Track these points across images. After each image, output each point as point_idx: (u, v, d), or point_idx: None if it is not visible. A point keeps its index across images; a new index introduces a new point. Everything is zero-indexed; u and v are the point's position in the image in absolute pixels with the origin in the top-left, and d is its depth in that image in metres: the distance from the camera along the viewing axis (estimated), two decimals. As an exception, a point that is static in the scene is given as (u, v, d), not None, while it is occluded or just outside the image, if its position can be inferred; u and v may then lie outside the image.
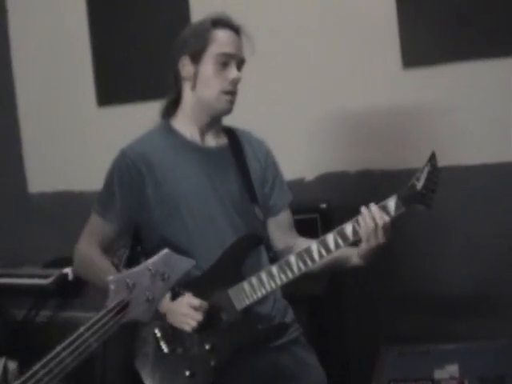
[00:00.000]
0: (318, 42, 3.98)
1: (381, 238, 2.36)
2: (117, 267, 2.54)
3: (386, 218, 2.35)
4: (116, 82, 4.60)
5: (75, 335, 1.74)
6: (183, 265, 1.90)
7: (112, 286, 1.78)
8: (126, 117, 4.45)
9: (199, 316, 2.38)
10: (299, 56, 4.01)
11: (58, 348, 1.72)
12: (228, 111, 2.55)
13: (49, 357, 1.72)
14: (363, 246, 2.42)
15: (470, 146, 3.70)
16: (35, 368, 1.70)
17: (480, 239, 3.70)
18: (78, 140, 4.70)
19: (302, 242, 2.60)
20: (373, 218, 2.35)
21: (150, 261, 1.85)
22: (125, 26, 4.53)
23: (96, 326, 1.76)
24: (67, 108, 4.71)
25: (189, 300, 2.39)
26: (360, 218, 2.37)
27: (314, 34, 3.98)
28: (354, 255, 2.50)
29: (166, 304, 2.37)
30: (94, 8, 4.61)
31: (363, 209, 2.37)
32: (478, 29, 3.64)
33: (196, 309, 2.38)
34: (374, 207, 2.36)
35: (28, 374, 1.69)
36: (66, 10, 4.66)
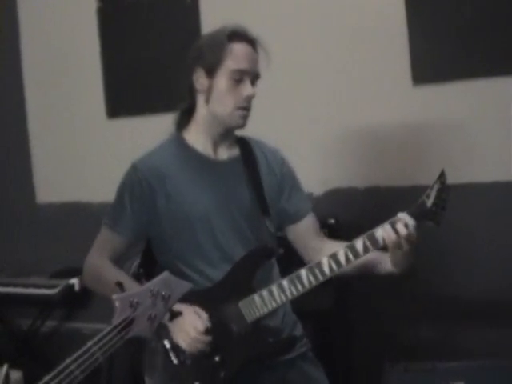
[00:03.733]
0: (328, 58, 3.98)
1: (406, 248, 2.35)
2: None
3: (411, 229, 2.33)
4: (126, 95, 4.62)
5: (83, 349, 1.80)
6: (181, 287, 2.01)
7: (117, 304, 1.86)
8: (135, 129, 4.46)
9: (205, 338, 2.37)
10: (309, 73, 4.02)
11: (68, 361, 1.78)
12: (241, 126, 2.55)
13: (58, 369, 1.77)
14: (391, 257, 2.43)
15: (480, 163, 3.69)
16: (46, 379, 1.76)
17: (489, 258, 3.68)
18: (86, 151, 4.71)
19: (331, 246, 2.56)
20: (395, 230, 2.34)
21: (152, 282, 1.94)
22: (135, 39, 4.55)
23: (103, 341, 1.83)
24: (77, 120, 4.73)
25: (195, 321, 2.38)
26: (378, 233, 2.37)
27: (323, 50, 3.99)
28: (387, 262, 2.48)
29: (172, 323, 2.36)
30: (105, 21, 4.63)
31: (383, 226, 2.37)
32: (489, 46, 3.64)
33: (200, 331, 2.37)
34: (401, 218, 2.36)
35: None
36: (76, 22, 4.68)
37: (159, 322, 1.97)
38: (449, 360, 3.37)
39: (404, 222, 2.34)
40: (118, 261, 2.56)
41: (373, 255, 2.46)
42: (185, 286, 2.03)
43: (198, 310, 2.41)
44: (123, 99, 4.63)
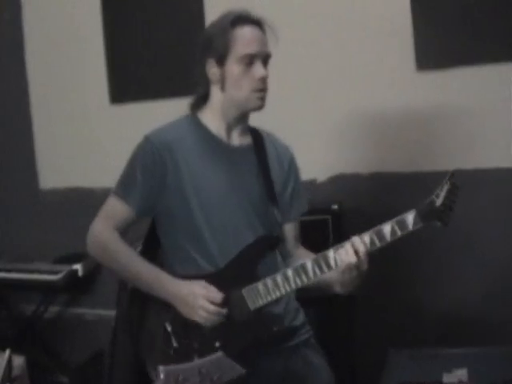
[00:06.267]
0: (333, 44, 3.97)
1: (354, 275, 2.35)
2: None
3: (361, 257, 2.33)
4: (129, 80, 4.61)
5: None
6: (234, 371, 1.97)
7: (162, 376, 1.86)
8: (138, 114, 4.46)
9: (223, 310, 2.39)
10: (313, 59, 4.01)
11: None
12: (260, 108, 2.54)
13: None
14: (339, 278, 2.41)
15: (483, 149, 3.68)
16: None
17: (493, 244, 3.68)
18: (89, 137, 4.71)
19: (304, 254, 2.62)
20: (349, 253, 2.34)
21: (204, 361, 1.92)
22: (138, 25, 4.54)
23: None
24: (80, 105, 4.73)
25: (212, 294, 2.40)
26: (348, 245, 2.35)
27: (329, 36, 3.98)
28: (336, 283, 2.46)
29: (179, 292, 2.38)
30: (108, 6, 4.61)
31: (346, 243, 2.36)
32: (492, 32, 3.63)
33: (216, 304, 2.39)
34: (355, 241, 2.35)
35: None
36: (79, 7, 4.67)
37: None
38: (452, 347, 3.37)
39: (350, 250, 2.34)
40: (123, 233, 2.54)
41: (328, 275, 2.44)
42: (237, 371, 1.97)
43: (205, 284, 2.42)
44: (127, 85, 4.62)
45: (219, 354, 1.88)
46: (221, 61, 2.48)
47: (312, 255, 2.47)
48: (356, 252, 2.33)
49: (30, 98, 4.90)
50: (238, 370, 1.94)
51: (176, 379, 1.82)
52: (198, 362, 1.86)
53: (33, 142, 4.92)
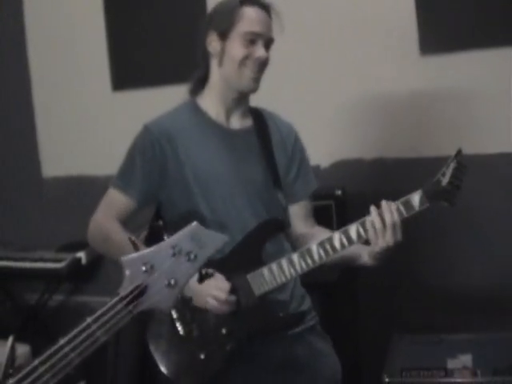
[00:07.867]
0: (336, 28, 3.95)
1: (389, 240, 2.31)
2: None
3: (395, 218, 2.31)
4: (131, 67, 4.60)
5: (81, 327, 1.51)
6: (214, 241, 1.58)
7: (127, 269, 1.50)
8: (140, 101, 4.44)
9: (232, 298, 2.38)
10: (316, 43, 3.99)
11: (61, 341, 1.50)
12: (253, 89, 2.54)
13: (50, 351, 1.50)
14: (372, 248, 2.39)
15: (487, 134, 3.67)
16: (34, 363, 1.49)
17: (497, 230, 3.68)
18: (92, 125, 4.69)
19: (320, 232, 2.59)
20: (381, 217, 2.32)
21: (175, 237, 1.54)
22: (140, 11, 4.52)
23: (105, 317, 1.51)
24: (82, 93, 4.71)
25: (221, 284, 2.38)
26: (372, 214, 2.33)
27: (332, 20, 3.96)
28: (364, 254, 2.46)
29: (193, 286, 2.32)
30: (110, -7, 4.60)
31: (372, 208, 2.34)
32: (496, 16, 3.61)
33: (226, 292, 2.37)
34: (384, 205, 2.33)
35: (27, 370, 1.49)
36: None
37: (181, 289, 1.54)
38: (456, 332, 3.37)
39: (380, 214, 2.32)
40: (125, 224, 2.53)
41: (355, 247, 2.43)
42: (219, 240, 1.59)
43: (212, 271, 2.40)
44: (129, 72, 4.61)
45: (193, 224, 1.54)
46: (223, 35, 2.47)
47: (328, 233, 2.48)
48: (382, 218, 2.31)
49: (32, 87, 4.88)
50: (217, 239, 1.56)
51: (144, 267, 1.46)
52: (168, 240, 1.49)
53: (35, 131, 4.91)
